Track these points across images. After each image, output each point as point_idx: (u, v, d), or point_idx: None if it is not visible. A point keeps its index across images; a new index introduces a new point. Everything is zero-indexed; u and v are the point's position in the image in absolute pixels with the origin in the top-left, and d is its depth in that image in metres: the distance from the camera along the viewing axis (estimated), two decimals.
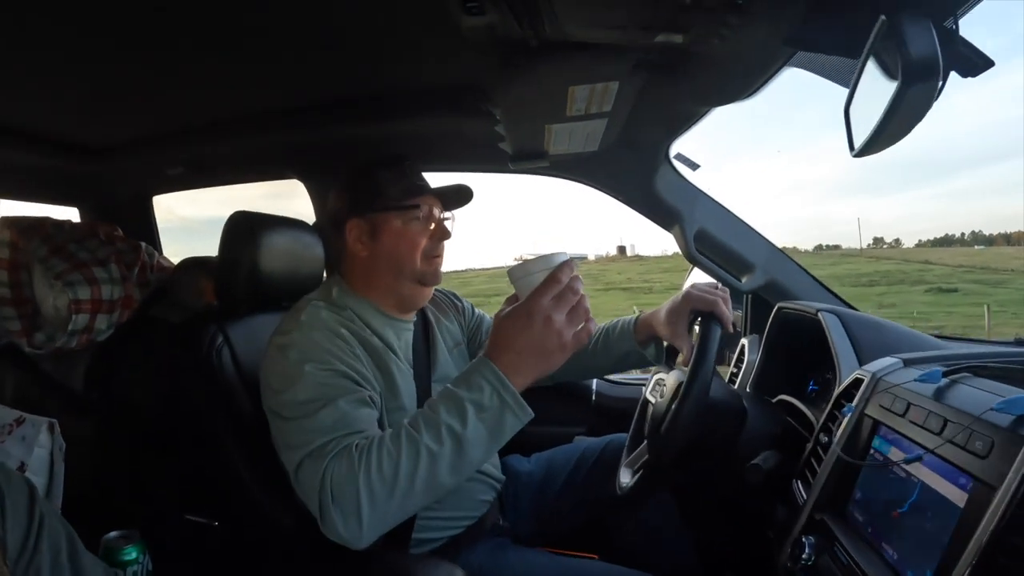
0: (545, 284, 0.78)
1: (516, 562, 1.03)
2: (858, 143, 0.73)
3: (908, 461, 0.72)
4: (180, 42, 0.92)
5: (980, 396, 0.70)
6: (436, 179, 1.11)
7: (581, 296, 0.79)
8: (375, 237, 1.04)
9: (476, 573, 0.99)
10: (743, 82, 0.95)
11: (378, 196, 1.04)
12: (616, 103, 1.00)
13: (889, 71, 0.67)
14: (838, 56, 0.83)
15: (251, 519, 1.03)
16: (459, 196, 1.11)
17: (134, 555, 0.91)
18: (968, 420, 0.66)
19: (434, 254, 1.07)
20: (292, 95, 1.18)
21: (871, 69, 0.69)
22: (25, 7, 0.78)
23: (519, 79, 0.94)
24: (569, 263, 0.80)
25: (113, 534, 0.92)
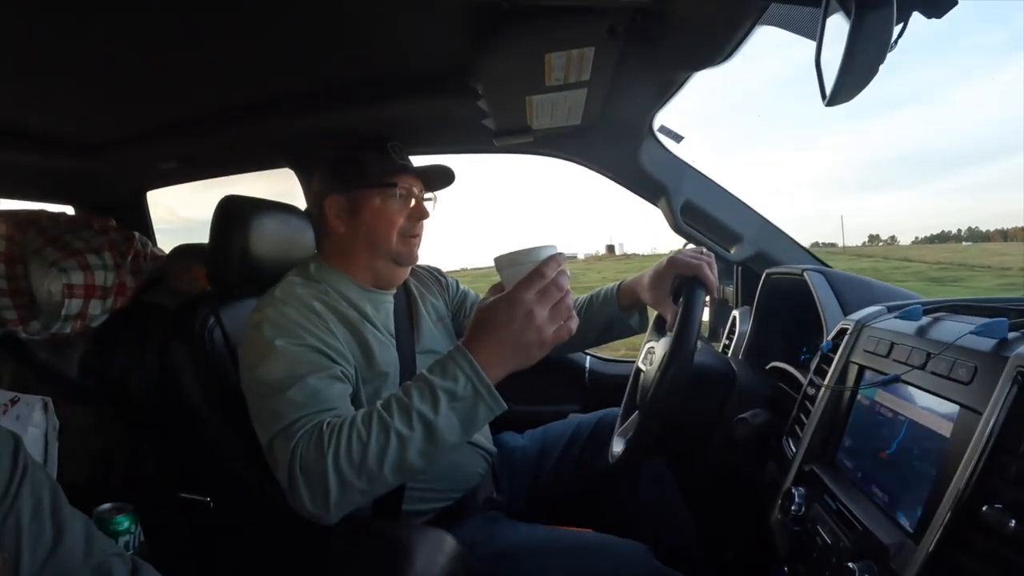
0: (530, 277, 0.78)
1: (509, 533, 1.02)
2: (829, 90, 0.74)
3: (886, 382, 0.73)
4: (168, 36, 0.94)
5: (961, 328, 0.69)
6: (426, 163, 1.13)
7: (566, 292, 0.79)
8: (354, 213, 1.06)
9: (468, 545, 0.99)
10: (718, 44, 0.96)
11: (359, 174, 1.06)
12: (594, 71, 1.01)
13: (848, 12, 0.68)
14: (806, 7, 0.85)
15: (243, 496, 1.03)
16: (441, 176, 1.13)
17: (126, 524, 0.92)
18: (950, 350, 0.66)
19: (411, 234, 1.08)
20: (281, 85, 1.19)
21: (833, 17, 0.71)
22: (14, 5, 0.79)
23: (497, 49, 0.95)
24: (556, 257, 0.80)
25: (106, 505, 0.93)
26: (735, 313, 1.35)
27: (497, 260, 0.83)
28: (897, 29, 0.67)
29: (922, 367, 0.69)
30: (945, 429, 0.63)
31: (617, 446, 1.06)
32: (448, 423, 0.77)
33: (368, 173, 1.06)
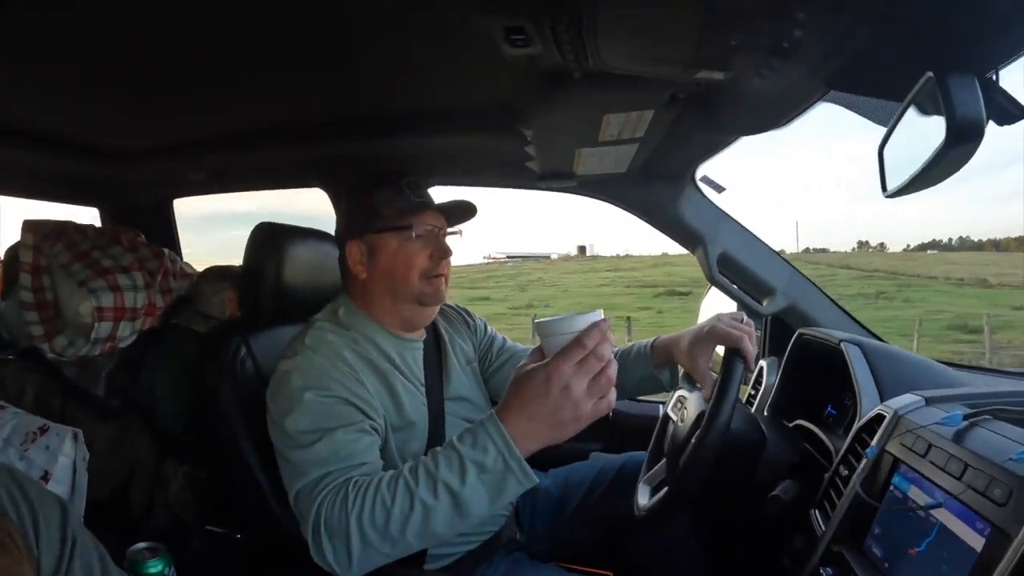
0: (569, 348, 0.74)
1: None
2: (891, 185, 0.74)
3: (930, 507, 0.74)
4: (207, 52, 0.92)
5: (1000, 443, 0.72)
6: (459, 194, 1.12)
7: (606, 363, 0.75)
8: (372, 258, 1.03)
9: None
10: (776, 114, 0.95)
11: (373, 217, 1.03)
12: (648, 130, 1.01)
13: (929, 119, 0.67)
14: (876, 98, 0.84)
15: (271, 531, 1.04)
16: (462, 211, 1.10)
17: (160, 567, 0.92)
18: (988, 467, 0.68)
19: (434, 274, 1.04)
20: (321, 107, 1.17)
21: (911, 117, 0.70)
22: (52, 15, 0.78)
23: (555, 105, 0.94)
24: (599, 325, 0.76)
25: (139, 546, 0.92)
26: (763, 363, 1.36)
27: (538, 326, 0.80)
28: None
29: (958, 477, 0.72)
30: (976, 543, 0.65)
31: (643, 496, 1.08)
32: (475, 495, 0.76)
33: (381, 215, 1.02)
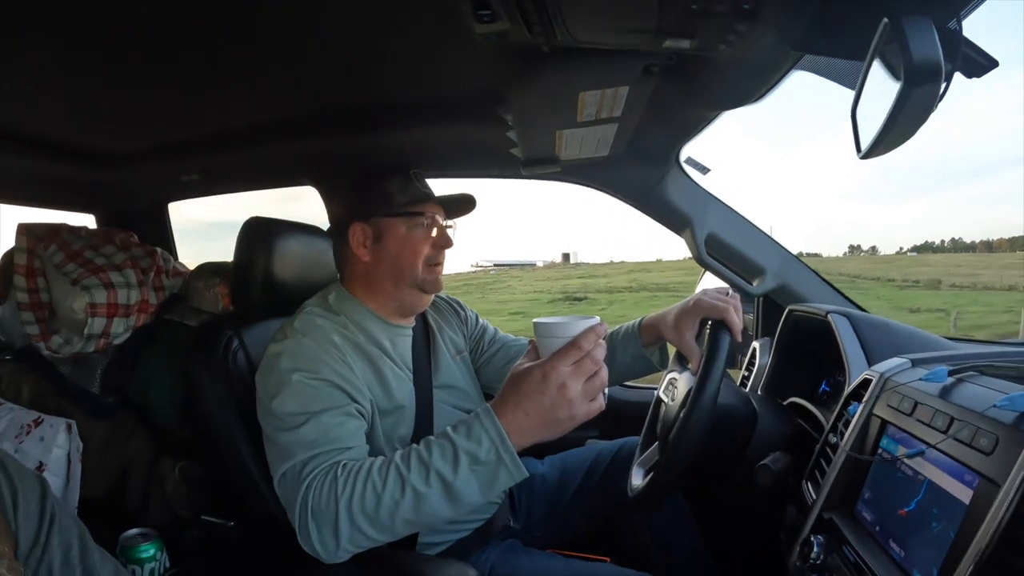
0: (566, 349, 0.77)
1: (528, 565, 1.04)
2: (864, 145, 0.74)
3: (910, 456, 0.74)
4: (196, 52, 0.94)
5: (985, 394, 0.71)
6: (449, 185, 1.14)
7: (600, 367, 0.78)
8: (379, 242, 1.05)
9: (487, 575, 1.01)
10: (751, 86, 0.96)
11: (384, 202, 1.05)
12: (626, 108, 1.01)
13: (894, 72, 0.68)
14: (845, 59, 0.85)
15: (265, 519, 1.04)
16: (462, 205, 1.12)
17: (152, 552, 0.93)
18: (973, 417, 0.67)
19: (435, 262, 1.07)
20: (307, 104, 1.19)
21: (876, 71, 0.70)
22: (43, 19, 0.80)
23: (531, 85, 0.95)
24: (595, 329, 0.79)
25: (132, 531, 0.94)
26: (755, 344, 1.35)
27: (537, 326, 0.81)
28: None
29: (944, 431, 0.71)
30: (964, 496, 0.64)
31: (636, 478, 1.07)
32: (467, 486, 0.77)
33: (394, 201, 1.05)
